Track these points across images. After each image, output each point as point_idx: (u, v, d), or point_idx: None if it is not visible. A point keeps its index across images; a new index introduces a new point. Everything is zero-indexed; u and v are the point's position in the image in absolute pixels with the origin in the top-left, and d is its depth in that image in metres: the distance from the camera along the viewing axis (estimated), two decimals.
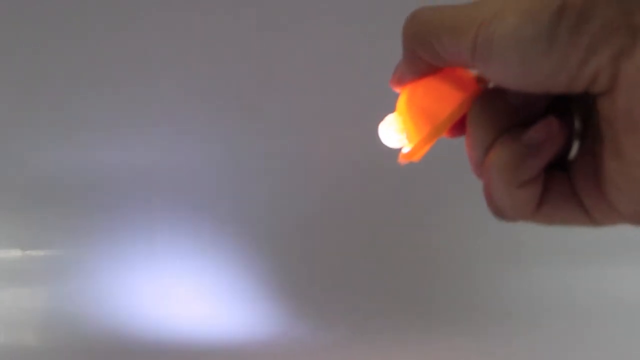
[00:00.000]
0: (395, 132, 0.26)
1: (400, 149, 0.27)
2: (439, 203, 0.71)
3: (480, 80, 0.25)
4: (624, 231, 0.26)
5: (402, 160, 0.27)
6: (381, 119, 0.27)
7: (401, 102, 0.26)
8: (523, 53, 0.20)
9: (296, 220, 0.71)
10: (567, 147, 0.24)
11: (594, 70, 0.20)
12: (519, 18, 0.20)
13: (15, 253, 0.72)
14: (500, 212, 0.24)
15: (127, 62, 0.67)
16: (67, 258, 0.72)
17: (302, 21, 0.67)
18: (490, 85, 0.25)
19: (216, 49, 0.67)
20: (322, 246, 0.71)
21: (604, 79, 0.20)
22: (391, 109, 0.27)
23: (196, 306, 0.71)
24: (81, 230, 0.72)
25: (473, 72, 0.25)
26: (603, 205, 0.23)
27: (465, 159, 0.26)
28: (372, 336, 0.68)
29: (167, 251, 0.72)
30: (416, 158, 0.27)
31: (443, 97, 0.25)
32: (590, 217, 0.24)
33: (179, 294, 0.72)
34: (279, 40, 0.67)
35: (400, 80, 0.26)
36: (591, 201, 0.23)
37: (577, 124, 0.24)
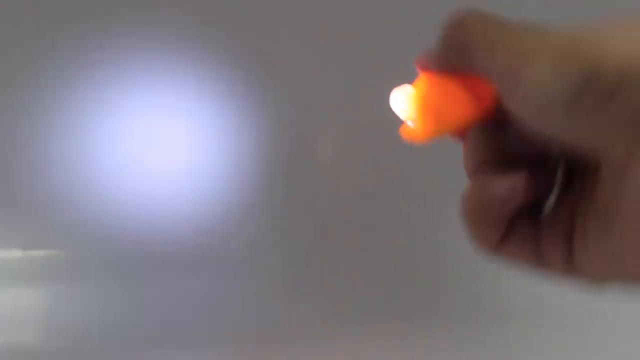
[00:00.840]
0: (404, 104, 0.26)
1: (404, 121, 0.26)
2: (443, 202, 0.71)
3: (498, 97, 0.25)
4: None
5: (402, 133, 0.26)
6: None
7: (420, 83, 0.26)
8: (542, 108, 0.20)
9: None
10: (544, 196, 0.24)
11: (607, 151, 0.20)
12: (548, 75, 0.19)
13: (15, 253, 0.72)
14: (467, 236, 0.25)
15: None
16: (67, 258, 0.72)
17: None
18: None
19: None
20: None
21: (617, 164, 0.19)
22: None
23: None
24: (81, 230, 0.72)
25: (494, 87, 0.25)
26: (565, 264, 0.23)
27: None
28: (372, 334, 0.68)
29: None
30: (415, 142, 0.26)
31: (458, 101, 0.25)
32: (547, 269, 0.24)
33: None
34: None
35: (426, 66, 0.25)
36: (553, 256, 0.23)
37: (561, 176, 0.24)
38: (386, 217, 0.71)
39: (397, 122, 0.26)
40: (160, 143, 0.71)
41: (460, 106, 0.25)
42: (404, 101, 0.26)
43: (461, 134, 0.26)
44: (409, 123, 0.26)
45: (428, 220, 0.71)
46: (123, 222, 0.72)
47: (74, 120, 0.69)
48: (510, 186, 0.23)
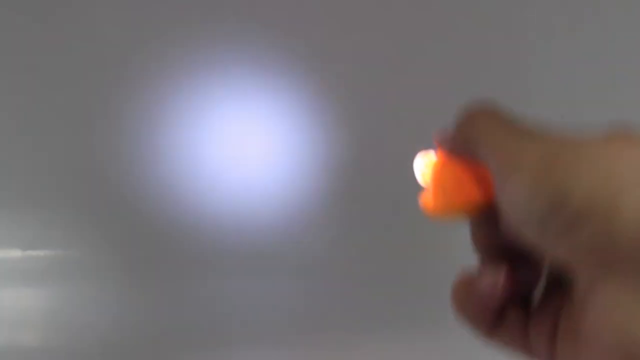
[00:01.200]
0: (421, 173, 0.28)
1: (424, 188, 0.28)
2: None
3: None
4: None
5: (420, 201, 0.28)
6: None
7: (437, 156, 0.27)
8: (519, 222, 0.21)
9: None
10: (532, 288, 0.25)
11: (574, 273, 0.20)
12: (523, 193, 0.21)
13: (15, 253, 0.72)
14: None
15: None
16: (67, 258, 0.72)
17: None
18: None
19: None
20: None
21: (582, 288, 0.20)
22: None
23: None
24: (81, 230, 0.73)
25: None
26: (548, 357, 0.23)
27: None
28: (372, 333, 0.68)
29: None
30: (429, 215, 0.28)
31: (464, 184, 0.26)
32: (535, 358, 0.24)
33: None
34: None
35: (441, 144, 0.27)
36: (539, 347, 0.24)
37: (545, 275, 0.25)
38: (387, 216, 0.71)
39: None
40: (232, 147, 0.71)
41: (466, 189, 0.26)
42: (422, 168, 0.28)
43: (468, 215, 0.27)
44: (424, 193, 0.28)
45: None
46: (139, 221, 0.72)
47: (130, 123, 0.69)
48: (491, 283, 0.24)
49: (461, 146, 0.25)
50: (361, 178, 0.71)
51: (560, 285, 0.23)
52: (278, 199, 0.71)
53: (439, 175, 0.27)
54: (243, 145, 0.71)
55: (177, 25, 0.66)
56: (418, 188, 0.27)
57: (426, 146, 0.28)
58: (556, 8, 0.69)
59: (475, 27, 0.69)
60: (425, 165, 0.28)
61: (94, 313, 0.70)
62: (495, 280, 0.24)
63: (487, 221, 0.25)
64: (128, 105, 0.69)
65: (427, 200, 0.27)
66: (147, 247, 0.73)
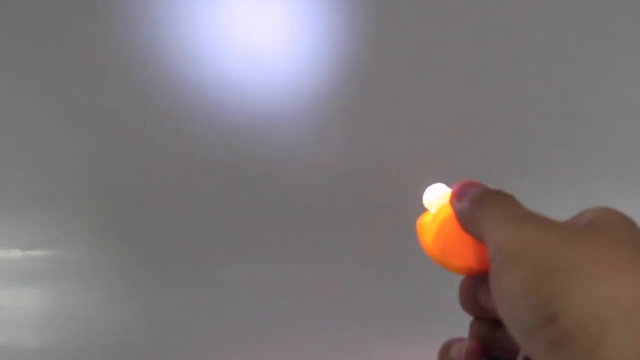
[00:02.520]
0: (429, 204, 0.29)
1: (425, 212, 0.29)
2: None
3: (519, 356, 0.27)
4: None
5: (418, 223, 0.29)
6: None
7: (445, 207, 0.28)
8: (510, 319, 0.22)
9: None
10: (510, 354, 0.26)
11: None
12: (515, 298, 0.21)
13: (15, 253, 0.72)
14: None
15: None
16: (67, 258, 0.72)
17: None
18: None
19: None
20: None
21: None
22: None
23: None
24: (81, 230, 0.73)
25: None
26: None
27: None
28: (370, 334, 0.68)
29: None
30: (422, 244, 0.29)
31: (466, 251, 0.27)
32: None
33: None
34: None
35: (454, 205, 0.28)
36: None
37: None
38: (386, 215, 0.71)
39: None
40: None
41: (467, 255, 0.27)
42: (433, 203, 0.29)
43: (462, 272, 0.28)
44: (427, 217, 0.29)
45: None
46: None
47: None
48: (457, 352, 0.27)
49: (469, 222, 0.26)
50: None
51: None
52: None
53: (446, 228, 0.28)
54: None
55: None
56: None
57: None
58: (557, 8, 0.69)
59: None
60: (436, 201, 0.29)
61: (94, 313, 0.70)
62: (468, 349, 0.26)
63: (476, 285, 0.27)
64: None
65: (426, 239, 0.28)
66: (146, 248, 0.73)
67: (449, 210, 0.28)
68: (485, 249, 0.25)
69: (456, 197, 0.27)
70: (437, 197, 0.29)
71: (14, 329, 0.69)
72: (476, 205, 0.26)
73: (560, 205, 0.68)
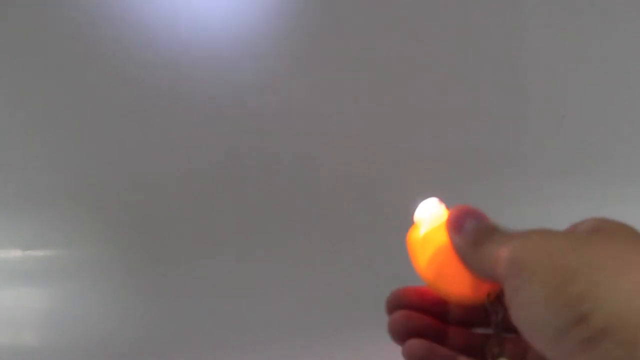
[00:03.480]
0: (421, 221, 0.29)
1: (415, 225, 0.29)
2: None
3: (489, 296, 0.27)
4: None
5: (408, 237, 0.29)
6: None
7: (440, 230, 0.28)
8: (535, 330, 0.22)
9: None
10: None
11: None
12: (539, 304, 0.21)
13: (15, 253, 0.72)
14: None
15: None
16: (67, 258, 0.72)
17: None
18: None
19: None
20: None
21: None
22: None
23: None
24: (81, 230, 0.72)
25: (491, 288, 0.28)
26: None
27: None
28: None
29: None
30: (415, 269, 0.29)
31: (460, 279, 0.27)
32: None
33: None
34: None
35: (451, 234, 0.28)
36: None
37: None
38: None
39: None
40: None
41: (461, 284, 0.27)
42: (425, 221, 0.28)
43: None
44: (418, 232, 0.28)
45: None
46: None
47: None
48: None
49: (469, 262, 0.26)
50: None
51: None
52: None
53: (442, 255, 0.27)
54: None
55: None
56: None
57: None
58: (556, 8, 0.69)
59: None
60: (429, 220, 0.28)
61: (94, 313, 0.70)
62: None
63: (466, 310, 0.28)
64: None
65: (419, 261, 0.28)
66: (147, 247, 0.73)
67: (444, 237, 0.28)
68: (481, 280, 0.26)
69: (454, 230, 0.27)
70: (430, 214, 0.28)
71: (14, 329, 0.69)
72: (477, 247, 0.26)
73: (560, 206, 0.68)
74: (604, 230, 0.23)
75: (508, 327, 0.27)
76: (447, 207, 0.29)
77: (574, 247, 0.22)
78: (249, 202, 0.73)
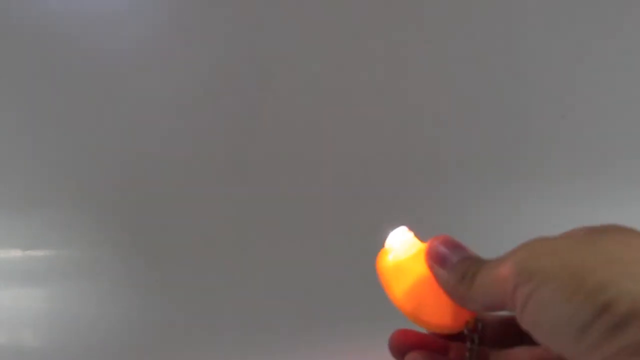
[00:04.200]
0: (394, 249, 0.28)
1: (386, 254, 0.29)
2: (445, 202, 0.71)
3: (469, 323, 0.27)
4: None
5: (378, 261, 0.29)
6: None
7: (415, 260, 0.28)
8: (554, 329, 0.21)
9: None
10: None
11: None
12: (559, 301, 0.21)
13: (15, 253, 0.72)
14: None
15: None
16: (67, 258, 0.72)
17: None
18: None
19: None
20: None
21: None
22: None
23: None
24: (81, 230, 0.72)
25: (470, 316, 0.28)
26: None
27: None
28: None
29: None
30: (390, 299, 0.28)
31: (441, 309, 0.27)
32: None
33: None
34: None
35: (432, 266, 0.28)
36: None
37: None
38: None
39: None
40: None
41: (442, 315, 0.27)
42: (398, 249, 0.28)
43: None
44: (389, 258, 0.28)
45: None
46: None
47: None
48: None
49: (459, 298, 0.26)
50: None
51: None
52: None
53: (422, 287, 0.27)
54: None
55: None
56: None
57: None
58: (556, 8, 0.69)
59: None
60: (401, 248, 0.28)
61: (94, 313, 0.70)
62: None
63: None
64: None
65: (395, 290, 0.27)
66: (147, 247, 0.73)
67: (421, 268, 0.27)
68: (459, 308, 0.26)
69: (437, 264, 0.27)
70: (401, 243, 0.28)
71: (14, 329, 0.69)
72: (468, 280, 0.25)
73: (558, 206, 0.68)
74: (600, 231, 0.23)
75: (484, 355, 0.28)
76: (416, 234, 0.29)
77: (579, 245, 0.22)
78: (248, 202, 0.73)
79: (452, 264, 0.26)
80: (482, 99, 0.71)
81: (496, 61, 0.71)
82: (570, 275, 0.21)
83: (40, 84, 0.68)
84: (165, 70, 0.70)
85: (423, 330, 0.29)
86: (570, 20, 0.69)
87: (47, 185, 0.71)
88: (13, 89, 0.69)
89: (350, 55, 0.69)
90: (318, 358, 0.66)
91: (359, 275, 0.71)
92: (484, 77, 0.70)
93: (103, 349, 0.67)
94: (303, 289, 0.71)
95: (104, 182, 0.71)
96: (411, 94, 0.71)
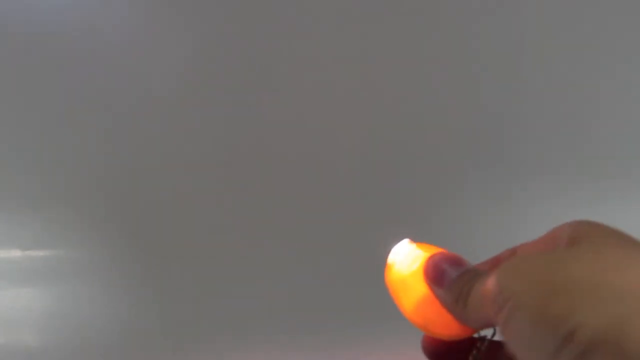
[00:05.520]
0: (399, 260, 0.28)
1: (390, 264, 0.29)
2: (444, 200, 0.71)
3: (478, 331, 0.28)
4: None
5: (386, 276, 0.29)
6: None
7: (419, 274, 0.28)
8: (529, 354, 0.22)
9: None
10: None
11: None
12: (527, 331, 0.21)
13: (15, 253, 0.72)
14: None
15: None
16: (67, 258, 0.72)
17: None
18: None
19: None
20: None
21: None
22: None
23: None
24: (81, 230, 0.72)
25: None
26: None
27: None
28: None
29: None
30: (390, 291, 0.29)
31: (449, 320, 0.27)
32: None
33: None
34: None
35: (431, 283, 0.28)
36: None
37: None
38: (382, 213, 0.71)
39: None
40: None
41: (446, 325, 0.27)
42: (403, 265, 0.28)
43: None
44: (394, 269, 0.28)
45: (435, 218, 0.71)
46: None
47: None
48: None
49: (456, 315, 0.26)
50: None
51: None
52: None
53: (427, 303, 0.27)
54: None
55: None
56: None
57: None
58: (556, 8, 0.69)
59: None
60: (405, 262, 0.28)
61: (94, 313, 0.70)
62: None
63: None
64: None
65: (405, 306, 0.28)
66: (146, 247, 0.73)
67: (425, 286, 0.28)
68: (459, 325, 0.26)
69: (434, 283, 0.27)
70: (404, 257, 0.28)
71: (14, 329, 0.69)
72: (465, 299, 0.26)
73: (559, 206, 0.68)
74: (582, 237, 0.23)
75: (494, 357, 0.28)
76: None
77: (552, 264, 0.22)
78: (247, 202, 0.73)
79: (448, 283, 0.27)
80: (482, 98, 0.71)
81: (496, 61, 0.71)
82: (539, 301, 0.21)
83: (40, 83, 0.68)
84: (165, 70, 0.70)
85: None
86: (571, 20, 0.69)
87: (47, 185, 0.71)
88: (13, 89, 0.69)
89: (351, 57, 0.70)
90: None
91: (359, 276, 0.71)
92: (482, 77, 0.70)
93: (102, 349, 0.67)
94: (299, 292, 0.71)
95: (104, 183, 0.71)
96: (411, 94, 0.71)
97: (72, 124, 0.70)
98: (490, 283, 0.23)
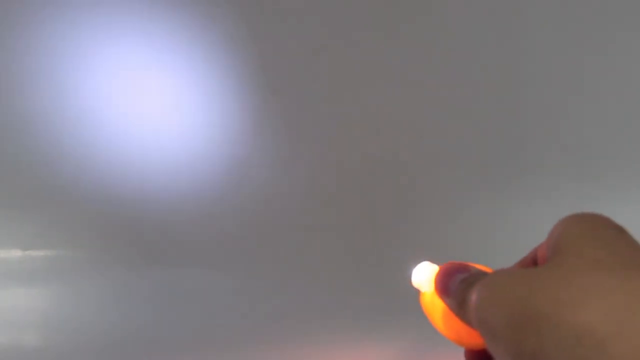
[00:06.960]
0: (421, 281, 0.30)
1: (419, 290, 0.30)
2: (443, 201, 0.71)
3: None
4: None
5: (422, 301, 0.30)
6: None
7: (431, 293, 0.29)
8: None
9: None
10: None
11: None
12: (509, 356, 0.22)
13: (15, 253, 0.72)
14: None
15: None
16: (67, 258, 0.72)
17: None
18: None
19: None
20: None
21: None
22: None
23: None
24: (81, 230, 0.73)
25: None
26: None
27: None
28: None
29: None
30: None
31: (473, 333, 0.27)
32: None
33: None
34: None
35: (442, 295, 0.29)
36: None
37: None
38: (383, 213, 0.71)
39: None
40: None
41: (465, 339, 0.28)
42: (422, 281, 0.29)
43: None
44: (423, 292, 0.30)
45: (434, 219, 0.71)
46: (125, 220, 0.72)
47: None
48: None
49: (467, 321, 0.27)
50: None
51: None
52: None
53: (451, 318, 0.28)
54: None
55: None
56: None
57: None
58: (556, 8, 0.69)
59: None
60: (426, 282, 0.29)
61: (94, 313, 0.70)
62: None
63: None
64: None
65: (439, 326, 0.29)
66: (146, 248, 0.73)
67: (442, 305, 0.28)
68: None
69: (442, 294, 0.28)
70: (426, 277, 0.29)
71: (14, 329, 0.69)
72: (466, 310, 0.26)
73: (557, 207, 0.68)
74: (561, 250, 0.24)
75: None
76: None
77: (522, 295, 0.22)
78: (247, 201, 0.73)
79: (452, 290, 0.27)
80: (483, 99, 0.71)
81: (496, 61, 0.71)
82: (513, 336, 0.22)
83: (39, 83, 0.68)
84: (164, 69, 0.70)
85: None
86: (571, 20, 0.69)
87: (47, 185, 0.71)
88: (12, 89, 0.69)
89: (354, 60, 0.70)
90: None
91: (359, 276, 0.71)
92: (483, 78, 0.70)
93: (102, 349, 0.67)
94: (299, 292, 0.71)
95: (104, 183, 0.71)
96: (411, 94, 0.71)
97: (72, 124, 0.70)
98: (472, 305, 0.24)
